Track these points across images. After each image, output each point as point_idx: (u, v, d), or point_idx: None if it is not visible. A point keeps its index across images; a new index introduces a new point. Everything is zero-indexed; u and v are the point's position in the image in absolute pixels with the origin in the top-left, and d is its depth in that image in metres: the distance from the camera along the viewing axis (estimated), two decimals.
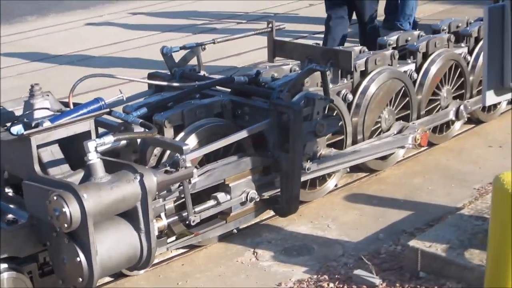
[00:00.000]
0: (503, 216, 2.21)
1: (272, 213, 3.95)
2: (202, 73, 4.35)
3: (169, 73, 4.30)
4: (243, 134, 3.62)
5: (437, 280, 3.16)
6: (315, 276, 3.35)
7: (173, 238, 3.50)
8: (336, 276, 3.32)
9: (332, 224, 3.90)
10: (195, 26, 9.41)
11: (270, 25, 4.72)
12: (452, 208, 3.90)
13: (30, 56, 8.12)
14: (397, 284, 3.18)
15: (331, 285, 3.24)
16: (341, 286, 3.23)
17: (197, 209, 3.44)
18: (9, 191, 3.32)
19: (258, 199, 3.69)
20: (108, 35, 9.13)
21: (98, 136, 3.21)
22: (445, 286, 3.12)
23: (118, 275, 3.42)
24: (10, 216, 3.18)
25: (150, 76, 4.29)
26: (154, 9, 10.80)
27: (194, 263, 3.58)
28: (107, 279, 3.38)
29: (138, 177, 2.95)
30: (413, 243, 3.29)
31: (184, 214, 3.37)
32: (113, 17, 10.43)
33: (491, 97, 3.29)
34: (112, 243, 2.97)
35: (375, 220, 3.92)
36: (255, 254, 3.61)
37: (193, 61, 4.44)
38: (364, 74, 4.36)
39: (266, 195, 3.78)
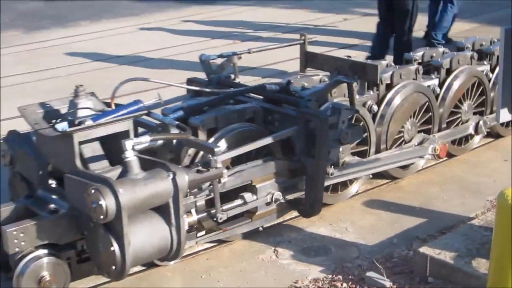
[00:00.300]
0: (505, 229, 2.18)
1: (294, 214, 3.92)
2: (237, 80, 4.34)
3: (207, 79, 4.29)
4: (271, 139, 3.62)
5: (444, 285, 3.14)
6: (330, 276, 3.31)
7: (203, 232, 3.46)
8: (350, 277, 3.29)
9: (350, 227, 3.86)
10: (238, 34, 9.40)
11: (303, 37, 4.70)
12: (465, 217, 3.83)
13: (80, 58, 8.18)
14: (406, 286, 3.14)
15: (345, 285, 3.21)
16: (354, 286, 3.20)
17: (225, 207, 3.42)
18: (52, 182, 3.31)
19: (282, 201, 3.66)
20: (157, 40, 9.17)
21: (137, 135, 3.25)
22: None
23: (149, 265, 3.41)
24: (52, 206, 3.21)
25: (189, 81, 4.30)
26: (203, 18, 10.80)
27: (219, 258, 3.56)
28: (138, 268, 3.38)
29: (171, 175, 2.97)
30: (424, 249, 3.25)
31: (213, 211, 3.36)
32: (164, 23, 10.46)
33: (505, 115, 3.21)
34: (144, 235, 2.99)
35: (391, 226, 3.87)
36: (276, 252, 3.58)
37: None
38: (389, 87, 4.31)
39: (291, 197, 3.75)
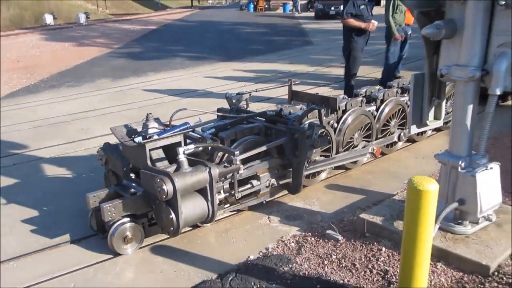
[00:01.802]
0: (412, 201, 2.22)
1: (282, 194, 3.99)
2: (248, 109, 4.45)
3: (229, 108, 4.40)
4: (270, 145, 3.70)
5: (376, 238, 3.20)
6: (303, 233, 3.39)
7: (228, 205, 3.60)
8: (316, 233, 3.38)
9: (316, 202, 3.92)
10: (249, 78, 9.49)
11: (290, 81, 4.82)
12: (390, 194, 3.88)
13: (147, 96, 8.33)
14: (352, 240, 3.23)
15: (313, 238, 3.29)
16: (319, 239, 3.27)
17: (240, 189, 3.54)
18: (132, 175, 3.42)
19: (277, 185, 3.78)
20: (198, 83, 9.34)
21: (185, 144, 3.34)
22: (381, 242, 3.14)
23: (193, 227, 3.52)
24: (132, 190, 3.32)
25: (218, 110, 4.40)
26: (226, 69, 10.91)
27: (232, 223, 3.63)
28: (187, 228, 3.49)
29: (208, 169, 3.12)
30: (363, 215, 3.35)
31: (233, 191, 3.50)
32: (203, 73, 10.59)
33: (414, 129, 3.35)
34: (191, 207, 3.11)
35: (343, 200, 3.93)
36: (269, 218, 3.65)
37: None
38: (344, 111, 4.39)
39: (282, 182, 3.84)
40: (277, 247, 3.22)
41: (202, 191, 3.16)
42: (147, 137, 3.24)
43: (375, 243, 3.12)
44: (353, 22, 6.37)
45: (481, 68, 2.81)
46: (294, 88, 4.88)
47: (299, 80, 5.60)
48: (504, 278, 2.67)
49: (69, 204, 3.97)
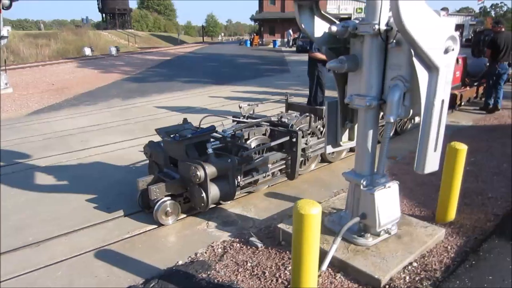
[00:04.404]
0: (297, 227, 1.88)
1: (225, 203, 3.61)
2: (256, 115, 4.54)
3: (243, 116, 4.42)
4: (274, 143, 3.84)
5: (289, 247, 2.72)
6: (232, 239, 3.02)
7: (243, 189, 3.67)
8: (242, 239, 3.00)
9: (253, 208, 3.54)
10: (244, 99, 9.14)
11: (286, 95, 4.85)
12: (320, 201, 3.45)
13: (146, 113, 7.95)
14: (269, 248, 2.83)
15: (238, 245, 2.91)
16: (243, 246, 2.90)
17: (250, 176, 3.65)
18: (171, 165, 3.48)
19: (279, 173, 3.93)
20: (195, 101, 9.01)
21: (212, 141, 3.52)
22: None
23: (218, 204, 3.55)
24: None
25: (234, 117, 4.44)
26: (220, 90, 10.64)
27: (175, 228, 3.24)
28: (213, 205, 3.51)
29: (230, 160, 3.27)
30: (280, 225, 2.94)
31: (245, 178, 3.60)
32: (200, 93, 10.24)
33: (329, 149, 2.96)
34: (217, 189, 3.24)
35: (277, 207, 3.55)
36: (207, 224, 3.28)
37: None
38: None
39: (284, 170, 3.95)
40: (205, 253, 2.83)
41: (225, 176, 3.28)
42: (183, 136, 3.31)
43: (287, 252, 2.72)
44: (318, 55, 6.24)
45: (378, 98, 2.44)
46: (290, 100, 4.88)
47: (293, 96, 5.51)
48: None
49: (43, 210, 3.59)
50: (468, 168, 4.30)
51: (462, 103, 7.60)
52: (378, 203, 2.46)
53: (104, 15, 44.54)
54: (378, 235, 2.61)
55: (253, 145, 3.75)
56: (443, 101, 2.25)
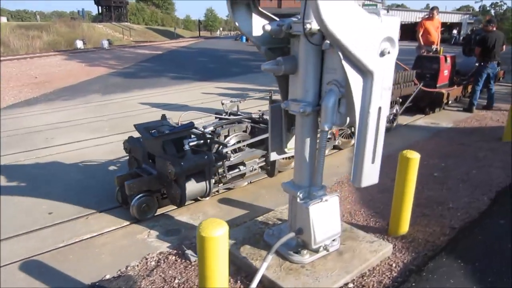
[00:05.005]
0: (201, 251, 1.65)
1: (172, 208, 3.41)
2: (238, 112, 4.44)
3: (225, 112, 4.38)
4: (255, 140, 3.75)
5: None
6: (170, 250, 2.80)
7: (221, 184, 3.63)
8: (180, 251, 2.78)
9: (201, 216, 3.32)
10: (244, 92, 8.91)
11: (271, 93, 4.58)
12: (270, 209, 3.27)
13: (122, 109, 7.70)
14: None
15: (173, 257, 2.70)
16: (178, 259, 2.69)
17: (230, 172, 3.60)
18: (149, 161, 3.45)
19: (258, 170, 3.85)
20: (190, 96, 8.83)
21: (190, 138, 3.38)
22: None
23: (195, 200, 3.50)
24: (149, 171, 3.35)
25: (216, 113, 4.43)
26: (205, 86, 10.38)
27: (113, 236, 3.04)
28: (190, 202, 3.49)
29: (206, 156, 3.22)
30: None
31: (225, 174, 3.55)
32: (185, 90, 9.99)
33: (274, 155, 2.75)
34: (193, 185, 3.20)
35: (227, 215, 3.33)
36: (149, 233, 3.06)
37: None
38: None
39: (264, 167, 3.91)
40: (137, 266, 2.62)
41: (202, 173, 3.24)
42: (161, 132, 3.28)
43: None
44: None
45: (315, 103, 2.24)
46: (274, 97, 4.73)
47: (277, 93, 5.33)
48: None
49: None
50: (436, 174, 4.11)
51: (450, 102, 7.50)
52: (313, 218, 2.26)
53: (100, 7, 44.01)
54: (316, 251, 2.42)
55: (232, 142, 3.67)
56: (380, 108, 2.05)
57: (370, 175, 2.14)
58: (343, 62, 1.90)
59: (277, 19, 2.37)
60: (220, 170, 3.51)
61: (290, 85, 2.42)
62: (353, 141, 4.79)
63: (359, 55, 1.87)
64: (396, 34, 2.00)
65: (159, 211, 3.37)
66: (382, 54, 1.95)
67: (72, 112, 7.57)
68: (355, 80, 1.97)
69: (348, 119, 2.15)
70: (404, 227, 2.87)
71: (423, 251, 2.64)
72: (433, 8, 8.09)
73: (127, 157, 3.86)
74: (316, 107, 2.22)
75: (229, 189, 3.76)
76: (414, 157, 2.65)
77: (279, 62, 2.29)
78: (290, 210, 2.48)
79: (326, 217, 2.32)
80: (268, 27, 2.21)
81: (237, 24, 2.37)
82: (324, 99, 2.13)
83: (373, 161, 2.12)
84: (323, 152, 2.25)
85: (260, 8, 2.41)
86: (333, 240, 2.47)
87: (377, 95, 2.01)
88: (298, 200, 2.35)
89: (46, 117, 7.17)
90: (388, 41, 1.96)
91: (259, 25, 2.41)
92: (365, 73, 1.97)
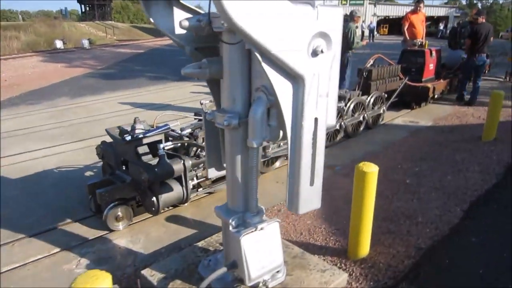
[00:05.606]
0: None
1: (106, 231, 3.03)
2: None
3: (204, 113, 3.99)
4: None
5: None
6: None
7: (200, 189, 3.45)
8: None
9: (143, 238, 2.94)
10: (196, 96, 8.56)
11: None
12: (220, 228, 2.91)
13: (87, 114, 7.24)
14: None
15: None
16: None
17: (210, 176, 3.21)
18: (122, 167, 3.29)
19: None
20: (168, 97, 8.49)
21: (166, 141, 3.23)
22: None
23: (173, 206, 3.35)
24: (123, 178, 3.16)
25: (195, 114, 4.21)
26: (181, 87, 9.92)
27: (36, 267, 2.64)
28: (167, 208, 3.30)
29: (182, 161, 3.07)
30: (144, 271, 2.30)
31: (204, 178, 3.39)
32: (160, 90, 9.59)
33: (212, 172, 2.37)
34: (169, 191, 3.07)
35: (172, 236, 2.95)
36: (79, 261, 2.67)
37: None
38: None
39: None
40: None
41: (178, 178, 3.12)
42: (135, 136, 3.09)
43: None
44: None
45: (244, 115, 1.86)
46: None
47: None
48: None
49: None
50: (408, 181, 3.78)
51: (435, 96, 7.31)
52: (246, 250, 1.89)
53: (83, 6, 42.96)
54: (256, 287, 2.05)
55: None
56: (316, 119, 1.68)
57: (310, 199, 1.77)
58: (263, 64, 1.52)
59: (202, 12, 1.99)
60: (199, 174, 3.29)
61: (222, 92, 2.04)
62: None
63: (281, 55, 1.49)
64: (335, 28, 1.62)
65: (135, 218, 3.16)
66: (314, 53, 1.58)
67: (32, 118, 7.08)
68: (282, 86, 1.59)
69: (281, 133, 1.78)
70: (364, 249, 2.52)
71: (383, 280, 2.29)
72: (418, 1, 7.82)
73: (80, 167, 3.57)
74: (245, 119, 1.85)
75: (209, 193, 3.57)
76: (372, 170, 2.29)
77: (203, 64, 1.91)
78: (224, 239, 2.11)
79: (262, 249, 1.95)
80: (186, 23, 1.82)
81: (152, 20, 1.98)
82: (251, 109, 1.75)
83: (311, 183, 1.75)
84: (255, 173, 1.88)
85: (181, 1, 2.02)
86: (278, 271, 2.11)
87: (312, 103, 1.64)
88: (231, 228, 1.98)
89: (4, 124, 6.68)
90: (322, 37, 1.59)
91: None
92: (294, 77, 1.59)
